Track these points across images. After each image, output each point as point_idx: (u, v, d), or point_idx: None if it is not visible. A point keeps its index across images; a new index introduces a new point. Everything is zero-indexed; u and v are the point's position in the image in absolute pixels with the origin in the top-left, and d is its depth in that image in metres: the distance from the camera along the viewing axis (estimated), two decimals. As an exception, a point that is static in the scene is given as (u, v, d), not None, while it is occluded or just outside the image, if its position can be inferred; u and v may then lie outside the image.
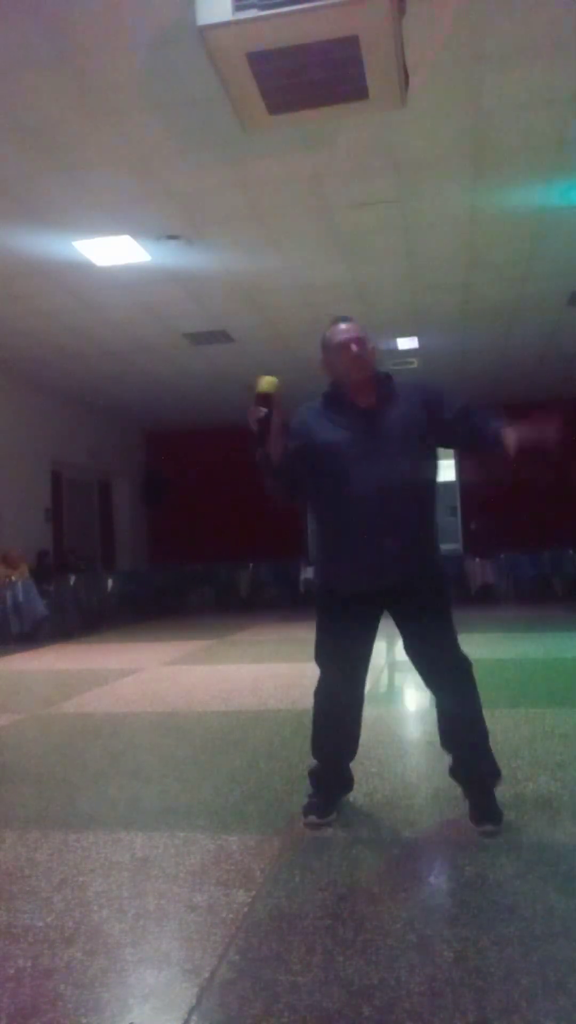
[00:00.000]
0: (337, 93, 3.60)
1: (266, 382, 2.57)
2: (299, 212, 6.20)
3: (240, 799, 3.03)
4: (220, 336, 9.37)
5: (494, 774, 2.72)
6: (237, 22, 3.15)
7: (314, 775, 2.80)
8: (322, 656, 2.74)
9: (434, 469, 2.75)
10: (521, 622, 9.30)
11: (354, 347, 2.64)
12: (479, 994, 1.67)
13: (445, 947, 1.87)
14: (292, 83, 3.52)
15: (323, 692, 2.77)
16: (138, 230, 6.42)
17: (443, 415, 2.65)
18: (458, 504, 14.58)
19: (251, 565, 13.35)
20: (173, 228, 6.42)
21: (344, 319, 2.74)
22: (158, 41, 4.06)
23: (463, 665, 2.67)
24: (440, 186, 5.85)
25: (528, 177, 5.77)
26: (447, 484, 14.67)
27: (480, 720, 2.69)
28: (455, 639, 2.67)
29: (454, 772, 2.76)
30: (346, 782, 2.85)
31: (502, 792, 2.91)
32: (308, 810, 2.71)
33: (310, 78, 3.49)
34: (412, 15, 3.43)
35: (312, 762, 2.83)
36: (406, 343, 10.11)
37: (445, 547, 14.33)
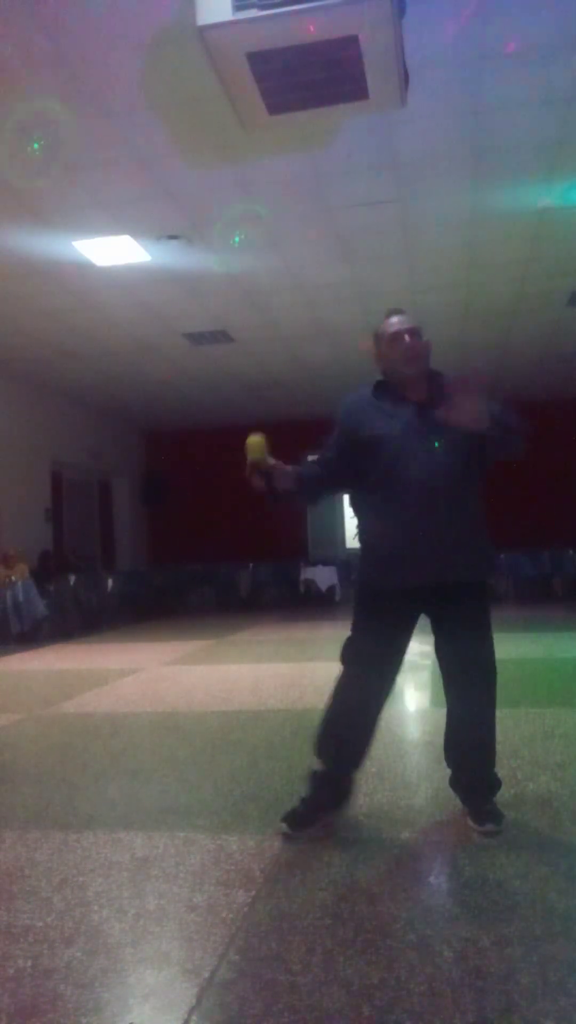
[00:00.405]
0: (337, 93, 3.59)
1: (253, 447, 2.55)
2: (299, 212, 6.19)
3: (240, 799, 3.03)
4: (220, 336, 9.37)
5: (496, 786, 2.70)
6: (237, 22, 3.15)
7: (314, 779, 2.68)
8: (353, 654, 2.63)
9: (483, 468, 2.68)
10: (521, 622, 9.30)
11: (407, 337, 2.62)
12: (479, 994, 1.67)
13: (445, 947, 1.87)
14: (292, 83, 3.51)
15: (346, 691, 2.65)
16: (138, 230, 6.42)
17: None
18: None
19: (251, 565, 13.36)
20: (173, 228, 6.42)
21: (398, 311, 2.72)
22: (158, 41, 4.06)
23: (489, 676, 2.61)
24: (440, 186, 5.85)
25: (528, 177, 5.77)
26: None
27: (493, 733, 2.66)
28: (491, 647, 2.63)
29: (455, 783, 2.72)
30: (341, 795, 2.69)
31: (502, 792, 2.91)
32: (287, 817, 2.61)
33: (310, 78, 3.49)
34: (412, 15, 3.43)
35: (315, 763, 2.70)
36: (406, 343, 10.09)
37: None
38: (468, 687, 2.63)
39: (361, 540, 2.73)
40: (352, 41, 3.24)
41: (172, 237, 6.57)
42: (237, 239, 6.60)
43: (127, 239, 6.57)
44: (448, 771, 2.75)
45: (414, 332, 2.64)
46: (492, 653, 2.64)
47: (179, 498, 14.81)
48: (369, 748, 2.72)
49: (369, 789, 3.04)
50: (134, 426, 14.76)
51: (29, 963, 1.87)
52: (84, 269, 7.12)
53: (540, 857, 2.38)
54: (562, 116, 4.94)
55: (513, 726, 3.95)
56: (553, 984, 1.70)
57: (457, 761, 2.70)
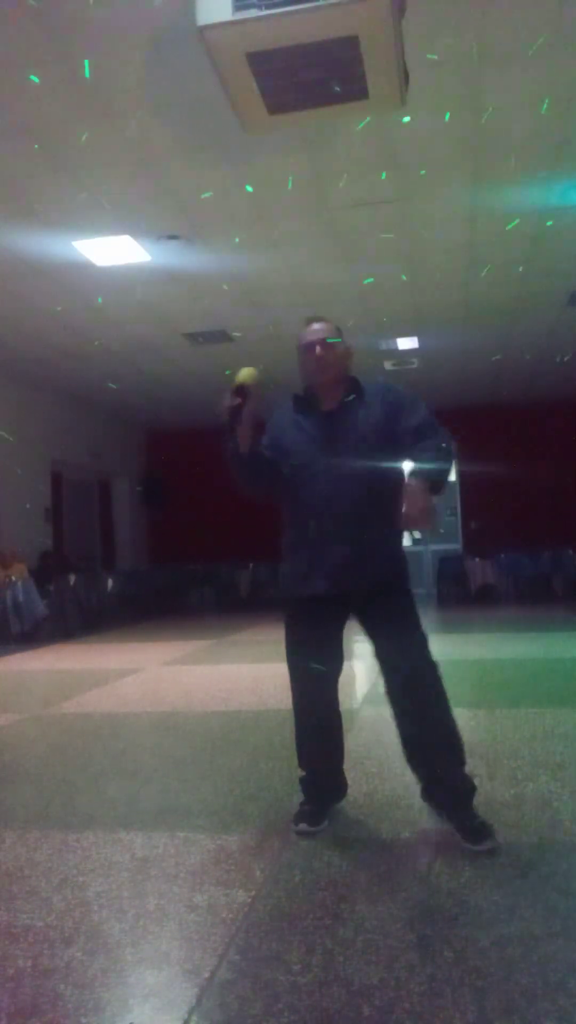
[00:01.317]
0: (337, 93, 3.59)
1: (244, 373, 2.59)
2: (299, 212, 6.19)
3: (240, 799, 3.03)
4: (220, 336, 9.37)
5: (471, 789, 2.58)
6: (237, 22, 3.15)
7: (304, 783, 2.78)
8: (292, 665, 2.72)
9: (399, 472, 2.66)
10: (521, 622, 9.30)
11: (318, 349, 2.66)
12: (479, 994, 1.67)
13: (445, 947, 1.87)
14: (292, 83, 3.51)
15: (298, 703, 2.74)
16: (138, 230, 6.42)
17: (399, 423, 2.62)
18: (458, 504, 14.57)
19: (251, 565, 13.36)
20: (173, 228, 6.42)
21: (317, 319, 2.74)
22: (158, 41, 4.06)
23: (430, 671, 2.58)
24: (440, 186, 5.85)
25: (528, 177, 5.77)
26: (447, 484, 14.63)
27: (454, 729, 2.59)
28: (425, 642, 2.60)
29: (428, 795, 2.67)
30: (337, 789, 2.81)
31: (502, 792, 2.92)
32: (299, 818, 2.68)
33: (310, 78, 3.49)
34: (412, 15, 3.43)
35: (301, 771, 2.81)
36: (406, 343, 10.10)
37: (445, 547, 14.18)
38: (409, 688, 2.60)
39: (282, 546, 2.77)
40: (352, 41, 3.24)
41: (172, 237, 6.57)
42: (237, 239, 6.60)
43: (127, 239, 6.57)
44: (419, 784, 2.71)
45: (325, 344, 2.66)
46: (426, 649, 2.60)
47: (179, 498, 14.81)
48: (340, 745, 2.78)
49: (369, 789, 3.04)
50: (134, 426, 14.76)
51: (29, 963, 1.87)
52: (84, 269, 7.12)
53: (540, 857, 2.38)
54: (562, 116, 4.94)
55: (513, 726, 3.95)
56: (553, 984, 1.70)
57: (424, 766, 2.64)
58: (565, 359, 10.76)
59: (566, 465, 13.44)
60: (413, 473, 2.50)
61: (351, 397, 2.69)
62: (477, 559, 12.90)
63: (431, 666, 2.59)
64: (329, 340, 2.67)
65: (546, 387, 12.74)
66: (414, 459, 2.56)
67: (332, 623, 2.67)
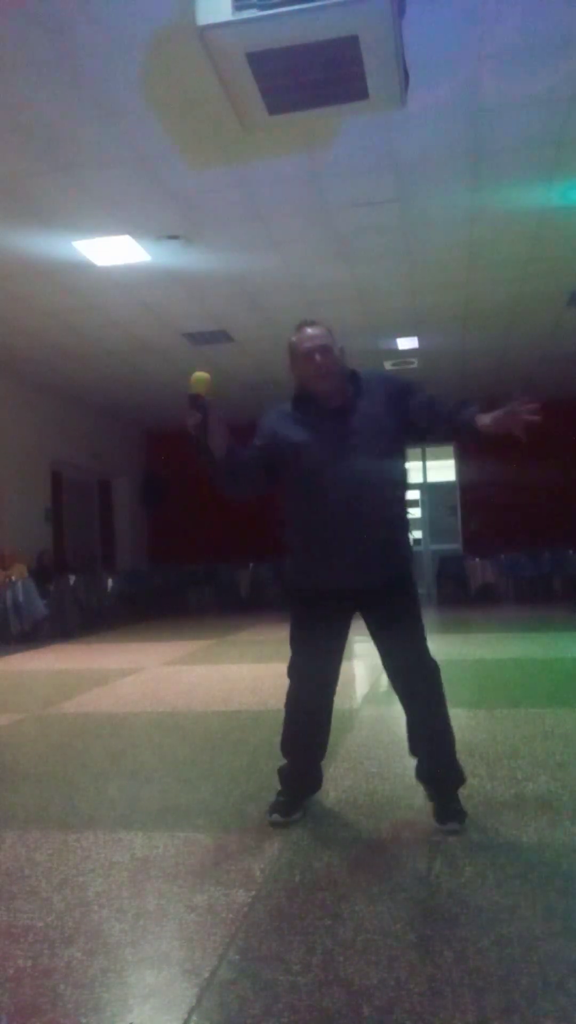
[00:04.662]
0: (337, 93, 3.59)
1: (196, 380, 2.59)
2: (299, 212, 6.19)
3: (240, 799, 3.03)
4: (220, 336, 9.37)
5: (459, 779, 2.72)
6: (237, 22, 3.15)
7: (283, 773, 2.81)
8: (293, 657, 2.74)
9: (404, 468, 2.74)
10: (521, 622, 9.30)
11: (317, 357, 2.65)
12: (479, 994, 1.67)
13: (445, 947, 1.87)
14: (292, 83, 3.51)
15: (294, 695, 2.76)
16: (138, 230, 6.42)
17: (407, 404, 2.65)
18: (458, 504, 14.57)
19: (251, 565, 13.35)
20: (173, 228, 6.42)
21: (309, 323, 2.74)
22: (158, 41, 4.06)
23: (432, 669, 2.67)
24: (440, 186, 5.85)
25: (528, 177, 5.77)
26: (447, 484, 14.67)
27: (447, 726, 2.71)
28: (424, 642, 2.67)
29: (419, 774, 2.77)
30: (313, 782, 2.86)
31: (502, 792, 2.92)
32: (273, 808, 2.72)
33: (310, 78, 3.49)
34: (412, 15, 3.43)
35: (282, 761, 2.83)
36: (406, 343, 10.11)
37: (445, 547, 14.17)
38: (410, 682, 2.68)
39: (287, 544, 2.78)
40: (352, 41, 3.24)
41: (172, 237, 6.58)
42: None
43: (127, 239, 6.57)
44: (414, 763, 2.80)
45: (325, 350, 2.66)
46: (424, 646, 2.66)
47: (179, 498, 14.81)
48: (325, 740, 2.81)
49: (369, 789, 3.04)
50: (134, 426, 14.76)
51: (29, 963, 1.87)
52: (84, 269, 7.12)
53: (540, 857, 2.38)
54: (562, 116, 4.94)
55: (513, 726, 3.95)
56: (553, 984, 1.70)
57: (418, 747, 2.75)
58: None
59: (566, 465, 13.44)
60: (479, 416, 2.48)
61: (352, 392, 2.69)
62: (477, 559, 12.90)
63: (431, 664, 2.67)
64: (326, 346, 2.67)
65: (546, 387, 12.74)
66: (457, 418, 2.56)
67: (337, 619, 2.69)
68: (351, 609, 2.68)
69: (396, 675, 2.70)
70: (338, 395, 2.69)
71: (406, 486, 2.80)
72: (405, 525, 2.76)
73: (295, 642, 2.75)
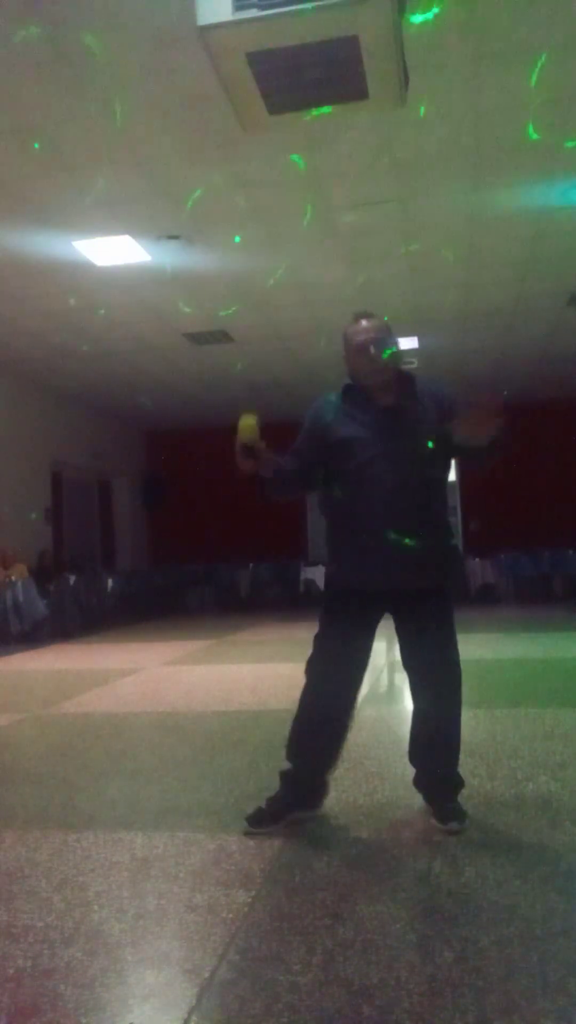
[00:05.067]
0: (337, 93, 3.59)
1: (246, 428, 2.53)
2: (299, 212, 6.19)
3: (240, 799, 3.03)
4: (220, 336, 9.37)
5: (459, 785, 2.70)
6: (237, 22, 3.14)
7: (285, 778, 2.69)
8: (319, 656, 2.65)
9: (447, 470, 2.74)
10: (521, 622, 9.30)
11: (372, 350, 2.61)
12: (479, 994, 1.67)
13: (445, 947, 1.87)
14: (292, 83, 3.51)
15: (310, 695, 2.66)
16: (138, 230, 6.42)
17: (445, 416, 2.60)
18: (458, 504, 14.57)
19: (251, 565, 13.36)
20: (173, 228, 6.42)
21: (366, 315, 2.69)
22: (158, 41, 4.06)
23: (456, 675, 2.62)
24: (440, 186, 5.85)
25: (528, 177, 5.77)
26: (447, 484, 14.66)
27: (458, 733, 2.67)
28: (455, 651, 2.64)
29: (420, 782, 2.73)
30: (314, 796, 2.71)
31: (502, 792, 2.92)
32: (250, 817, 2.64)
33: (310, 78, 3.49)
34: (412, 15, 3.43)
35: (285, 764, 2.72)
36: (406, 343, 10.10)
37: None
38: (434, 688, 2.63)
39: (329, 541, 2.74)
40: (352, 41, 3.24)
41: (172, 237, 6.58)
42: (237, 238, 6.60)
43: (127, 239, 6.57)
44: (412, 772, 2.77)
45: (379, 342, 2.62)
46: (456, 654, 2.64)
47: (179, 498, 14.82)
48: (341, 748, 2.73)
49: (369, 789, 3.04)
50: (134, 426, 14.76)
51: (29, 963, 1.87)
52: (84, 269, 7.12)
53: (540, 857, 2.38)
54: (562, 116, 4.94)
55: (513, 726, 3.95)
56: (553, 984, 1.70)
57: (423, 760, 2.70)
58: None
59: (566, 465, 13.44)
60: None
61: (406, 393, 2.65)
62: (477, 559, 12.90)
63: (458, 676, 2.62)
64: (381, 339, 2.62)
65: (546, 387, 12.74)
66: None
67: (371, 620, 2.63)
68: (383, 609, 2.62)
69: (419, 679, 2.65)
70: (390, 393, 2.65)
71: (448, 487, 2.77)
72: (450, 530, 2.73)
73: (322, 639, 2.65)
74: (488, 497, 13.89)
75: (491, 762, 3.33)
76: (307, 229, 6.50)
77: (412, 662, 2.65)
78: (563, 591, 12.37)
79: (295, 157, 5.27)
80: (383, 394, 2.65)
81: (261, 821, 2.63)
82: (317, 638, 2.68)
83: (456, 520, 14.63)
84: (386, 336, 2.65)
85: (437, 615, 2.63)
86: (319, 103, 3.68)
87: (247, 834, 2.61)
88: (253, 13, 3.10)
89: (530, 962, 1.79)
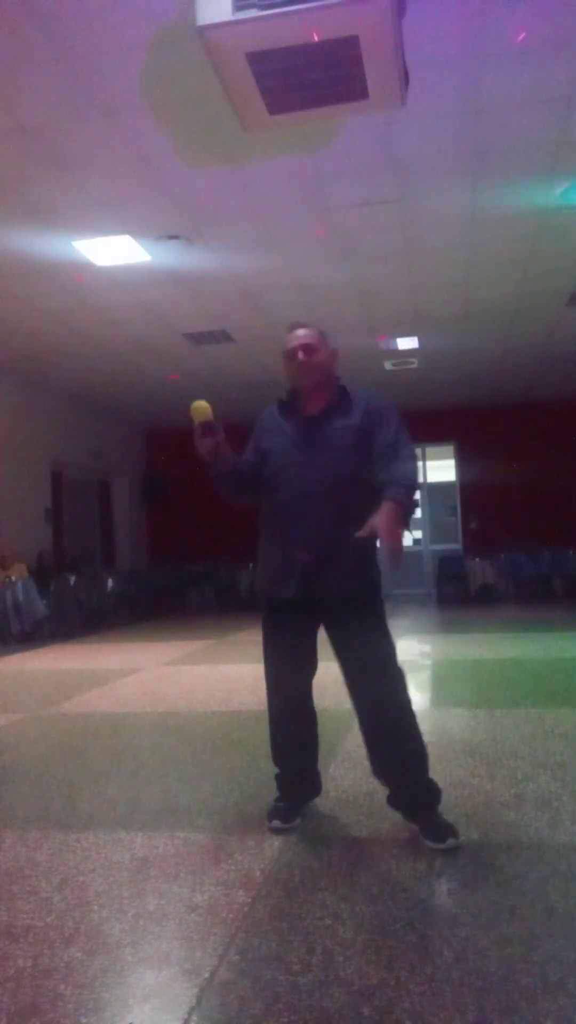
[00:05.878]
0: (337, 93, 3.59)
1: (200, 409, 2.60)
2: (299, 212, 6.19)
3: (240, 799, 3.03)
4: (220, 336, 9.37)
5: (436, 795, 2.60)
6: (237, 22, 3.15)
7: (278, 780, 2.79)
8: (266, 665, 2.72)
9: (370, 484, 2.59)
10: (521, 622, 9.30)
11: (300, 355, 2.65)
12: (479, 994, 1.67)
13: (445, 947, 1.87)
14: (292, 83, 3.51)
15: (271, 702, 2.75)
16: (138, 230, 6.42)
17: (375, 433, 2.59)
18: (458, 504, 14.57)
19: (251, 565, 13.33)
20: (173, 228, 6.42)
21: (299, 325, 2.73)
22: (158, 41, 4.06)
23: (398, 679, 2.57)
24: (440, 186, 5.85)
25: (528, 177, 5.77)
26: (447, 484, 14.67)
27: (417, 736, 2.59)
28: (393, 652, 2.60)
29: (393, 799, 2.66)
30: (311, 787, 2.82)
31: (502, 792, 2.92)
32: (272, 814, 2.70)
33: (310, 78, 3.49)
34: (412, 15, 3.43)
35: (275, 768, 2.82)
36: (406, 343, 10.11)
37: (445, 547, 14.14)
38: (369, 690, 2.59)
39: (259, 550, 2.77)
40: (352, 41, 3.24)
41: (172, 237, 6.58)
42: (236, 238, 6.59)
43: (127, 239, 6.57)
44: (385, 791, 2.70)
45: (308, 348, 2.65)
46: (394, 657, 2.60)
47: (179, 498, 14.81)
48: (312, 745, 2.78)
49: (369, 789, 3.04)
50: (134, 426, 14.76)
51: (29, 963, 1.87)
52: (84, 269, 7.12)
53: (540, 857, 2.38)
54: (562, 116, 4.94)
55: (513, 726, 3.95)
56: (553, 984, 1.70)
57: (389, 772, 2.64)
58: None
59: (566, 465, 13.44)
60: (386, 503, 2.41)
61: (333, 404, 2.67)
62: (477, 559, 12.90)
63: (399, 680, 2.57)
64: (310, 345, 2.65)
65: (546, 387, 12.74)
66: (381, 484, 2.49)
67: (304, 626, 2.64)
68: (316, 619, 2.63)
69: (359, 689, 2.59)
70: (319, 401, 2.67)
71: (372, 500, 2.59)
72: (371, 541, 2.63)
73: (264, 650, 2.72)
74: (488, 497, 13.89)
75: (491, 762, 3.33)
76: (307, 229, 6.50)
77: (348, 670, 2.60)
78: (563, 591, 12.37)
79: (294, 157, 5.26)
80: (312, 403, 2.68)
81: (288, 816, 2.68)
82: (263, 646, 2.73)
83: (456, 520, 14.63)
84: (317, 342, 2.67)
85: (365, 620, 2.59)
86: (319, 103, 3.68)
87: (276, 830, 2.63)
88: (253, 13, 3.10)
89: (530, 962, 1.79)
